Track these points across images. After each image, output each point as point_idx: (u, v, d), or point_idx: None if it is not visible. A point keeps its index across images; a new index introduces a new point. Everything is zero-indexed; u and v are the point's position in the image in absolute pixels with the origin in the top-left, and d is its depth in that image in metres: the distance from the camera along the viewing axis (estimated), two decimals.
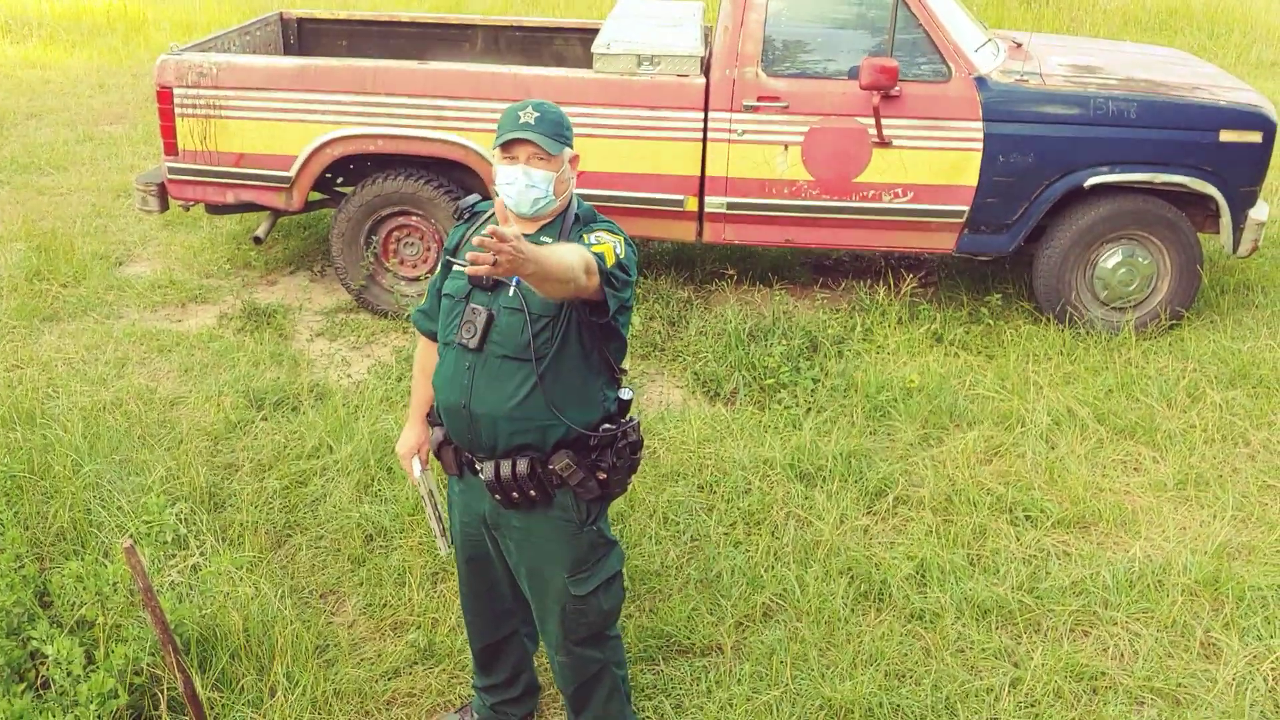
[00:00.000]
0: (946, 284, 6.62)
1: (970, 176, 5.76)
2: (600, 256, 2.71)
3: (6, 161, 8.77)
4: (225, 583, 3.76)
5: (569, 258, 2.58)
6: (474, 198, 3.09)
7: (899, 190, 5.82)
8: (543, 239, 2.82)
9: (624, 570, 3.19)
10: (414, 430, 3.24)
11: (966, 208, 5.82)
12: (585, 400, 2.90)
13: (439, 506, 3.28)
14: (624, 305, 2.85)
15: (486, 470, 2.90)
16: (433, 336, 3.09)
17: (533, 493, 2.88)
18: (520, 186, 2.78)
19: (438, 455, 3.06)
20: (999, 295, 6.25)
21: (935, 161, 5.76)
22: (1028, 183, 5.78)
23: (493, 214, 2.98)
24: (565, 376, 2.85)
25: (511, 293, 2.82)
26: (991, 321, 6.02)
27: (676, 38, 6.03)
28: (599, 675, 3.13)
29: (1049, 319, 6.02)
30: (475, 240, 2.35)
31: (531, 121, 2.76)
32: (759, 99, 5.77)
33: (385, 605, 3.95)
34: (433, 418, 3.07)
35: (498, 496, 2.92)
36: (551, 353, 2.82)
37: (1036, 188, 5.79)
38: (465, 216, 3.04)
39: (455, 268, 2.94)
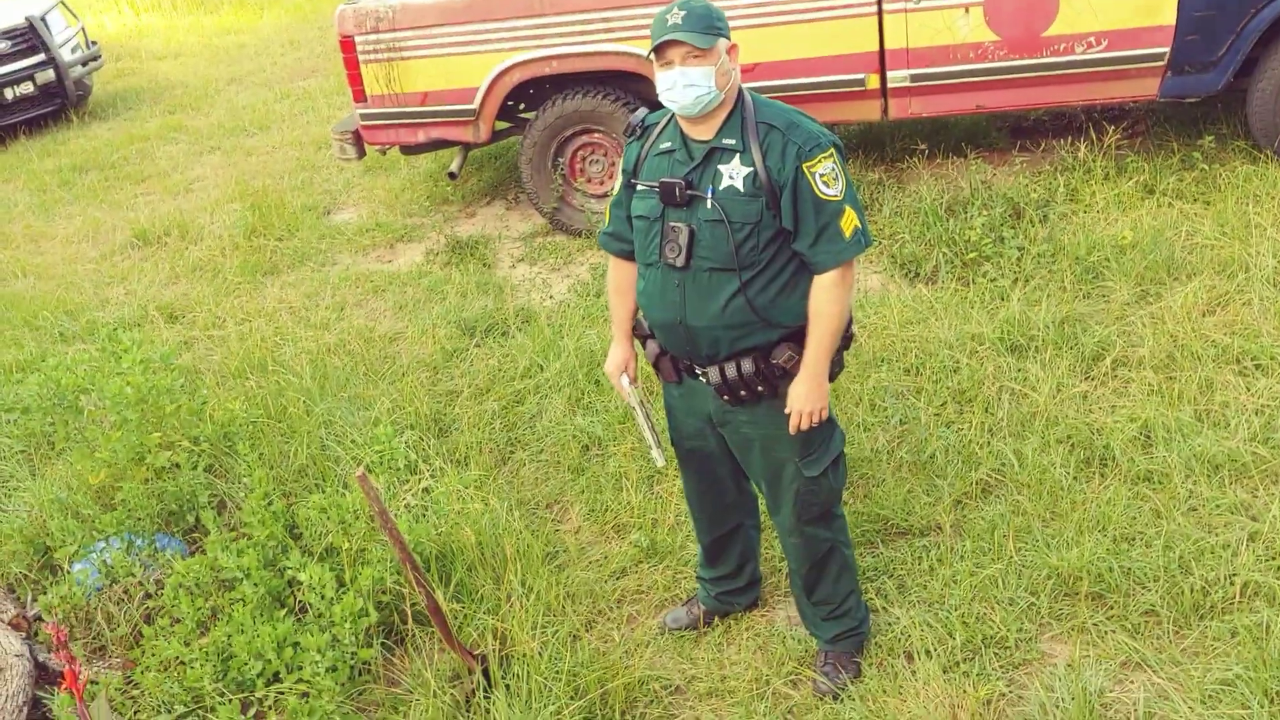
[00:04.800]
0: (1154, 132, 6.24)
1: (1167, 15, 5.35)
2: (851, 242, 2.81)
3: (216, 127, 9.32)
4: (456, 501, 3.97)
5: (837, 319, 2.83)
6: (642, 113, 3.05)
7: (1092, 40, 5.48)
8: (725, 140, 2.81)
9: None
10: (619, 348, 3.23)
11: (1167, 49, 5.43)
12: (797, 296, 2.89)
13: (650, 417, 3.29)
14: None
15: (712, 374, 2.94)
16: (625, 256, 3.11)
17: (760, 388, 2.92)
18: (680, 88, 2.75)
19: (655, 365, 3.10)
20: (1212, 137, 5.84)
21: (1127, 3, 5.38)
22: (1231, 14, 5.34)
23: (665, 125, 2.94)
24: (774, 280, 2.85)
25: (709, 205, 2.81)
26: (1206, 166, 5.64)
27: None
28: (830, 554, 3.18)
29: (1268, 156, 5.60)
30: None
31: (679, 21, 2.73)
32: None
33: (607, 510, 4.10)
34: (640, 330, 3.12)
35: (725, 397, 2.96)
36: (759, 261, 2.82)
37: (1241, 18, 5.33)
38: (638, 133, 3.00)
39: (640, 187, 2.94)
